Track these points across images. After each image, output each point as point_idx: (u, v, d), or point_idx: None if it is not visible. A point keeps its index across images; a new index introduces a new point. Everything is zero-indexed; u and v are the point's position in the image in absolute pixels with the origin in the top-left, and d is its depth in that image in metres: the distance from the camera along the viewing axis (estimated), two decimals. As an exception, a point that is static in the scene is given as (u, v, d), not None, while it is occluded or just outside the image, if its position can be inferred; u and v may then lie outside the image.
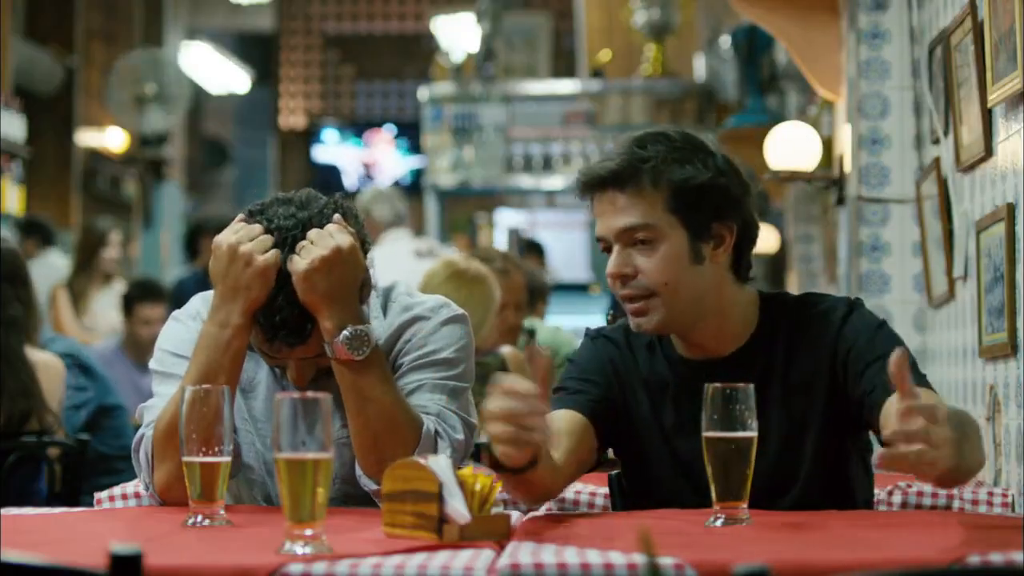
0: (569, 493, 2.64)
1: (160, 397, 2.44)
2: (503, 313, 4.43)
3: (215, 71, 13.99)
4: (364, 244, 2.41)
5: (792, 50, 5.18)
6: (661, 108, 9.30)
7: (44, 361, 3.67)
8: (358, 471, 2.37)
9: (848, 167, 4.66)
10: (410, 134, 13.08)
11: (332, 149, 13.95)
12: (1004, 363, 3.21)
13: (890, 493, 2.61)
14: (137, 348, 6.20)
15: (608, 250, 2.36)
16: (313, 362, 2.39)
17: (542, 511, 2.43)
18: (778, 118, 6.70)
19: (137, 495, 2.53)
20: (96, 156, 10.76)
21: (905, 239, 4.46)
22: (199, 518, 2.11)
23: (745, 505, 2.10)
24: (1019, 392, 3.07)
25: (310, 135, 14.16)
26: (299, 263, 2.30)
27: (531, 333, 4.92)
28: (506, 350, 4.30)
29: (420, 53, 12.98)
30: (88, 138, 10.68)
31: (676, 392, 2.39)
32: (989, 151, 3.32)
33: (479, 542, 1.90)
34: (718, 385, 2.11)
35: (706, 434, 2.12)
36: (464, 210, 11.29)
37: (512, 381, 2.02)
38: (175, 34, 12.59)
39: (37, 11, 10.15)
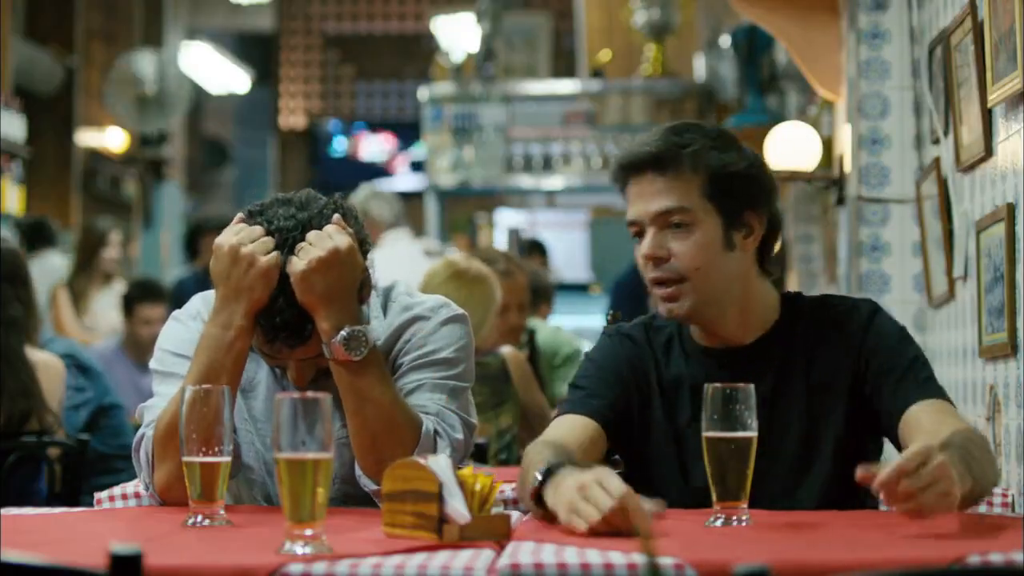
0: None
1: (160, 397, 2.44)
2: (505, 314, 4.43)
3: (215, 71, 13.98)
4: (364, 244, 2.41)
5: (792, 50, 5.18)
6: (661, 108, 9.30)
7: (44, 361, 3.67)
8: (358, 471, 2.37)
9: (848, 167, 4.67)
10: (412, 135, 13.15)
11: (352, 143, 14.06)
12: (1004, 363, 3.21)
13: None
14: (137, 348, 6.21)
15: (640, 235, 2.38)
16: (313, 362, 2.39)
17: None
18: (778, 118, 6.69)
19: (137, 495, 2.53)
20: (96, 156, 10.76)
21: (905, 239, 4.46)
22: (199, 518, 2.11)
23: (745, 505, 2.11)
24: (1019, 392, 3.07)
25: (310, 135, 14.18)
26: (297, 264, 2.31)
27: (532, 333, 4.92)
28: (506, 350, 4.30)
29: (420, 53, 12.98)
30: (88, 138, 10.68)
31: (694, 384, 2.40)
32: (989, 151, 3.32)
33: (479, 542, 1.90)
34: (718, 385, 2.12)
35: (706, 434, 2.12)
36: (464, 210, 11.29)
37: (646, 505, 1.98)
38: (175, 34, 12.59)
39: (37, 11, 10.15)
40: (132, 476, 2.57)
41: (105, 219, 8.24)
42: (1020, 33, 2.93)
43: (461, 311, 2.50)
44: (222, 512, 2.12)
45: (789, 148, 5.17)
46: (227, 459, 2.13)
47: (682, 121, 2.44)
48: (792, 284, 7.38)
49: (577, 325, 7.33)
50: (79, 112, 10.46)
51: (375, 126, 14.29)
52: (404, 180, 13.81)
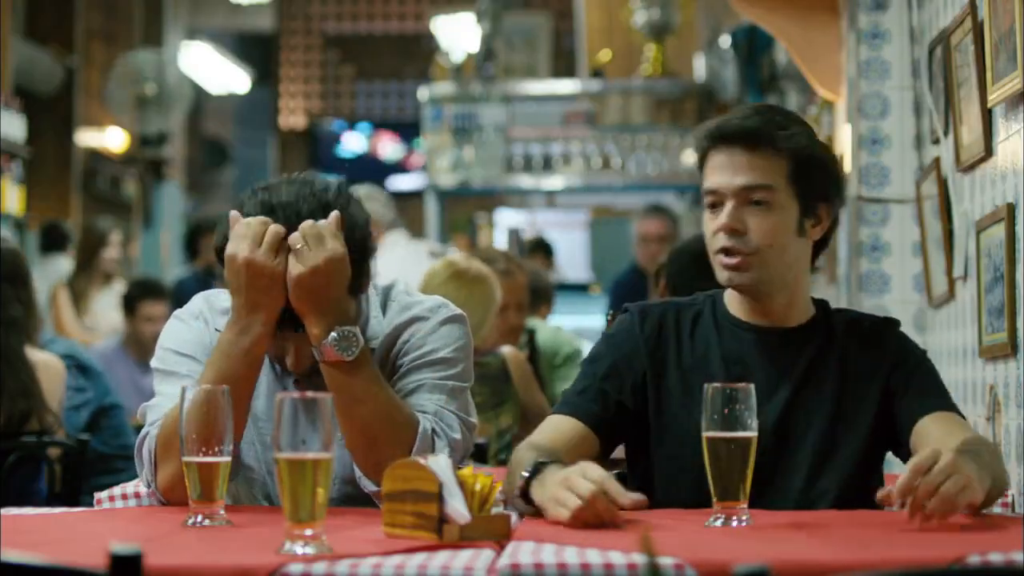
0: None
1: (162, 396, 2.43)
2: (505, 314, 4.42)
3: (215, 71, 13.98)
4: (366, 233, 2.40)
5: (792, 50, 5.17)
6: (661, 108, 9.29)
7: (44, 361, 3.67)
8: (358, 472, 2.37)
9: (848, 167, 4.66)
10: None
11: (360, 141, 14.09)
12: (1004, 363, 3.21)
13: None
14: (140, 346, 6.21)
15: (714, 206, 2.40)
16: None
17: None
18: (778, 118, 6.68)
19: (137, 495, 2.53)
20: (96, 156, 10.76)
21: (905, 239, 4.46)
22: (199, 518, 2.11)
23: (745, 505, 2.11)
24: (1019, 392, 3.07)
25: (310, 135, 14.18)
26: (291, 268, 2.30)
27: (532, 333, 4.92)
28: (506, 350, 4.30)
29: (420, 53, 12.97)
30: (88, 138, 10.68)
31: (726, 355, 2.43)
32: (989, 151, 3.32)
33: (479, 542, 1.91)
34: (718, 385, 2.13)
35: (706, 434, 2.12)
36: (464, 210, 11.28)
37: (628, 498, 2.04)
38: (175, 34, 12.59)
39: (37, 11, 10.14)
40: (132, 476, 2.57)
41: (105, 219, 8.24)
42: (1020, 33, 2.93)
43: (459, 311, 2.50)
44: (222, 512, 2.12)
45: (789, 148, 5.16)
46: (227, 459, 2.13)
47: (774, 105, 2.48)
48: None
49: (577, 325, 7.32)
50: (79, 112, 10.46)
51: (376, 126, 14.30)
52: (404, 180, 13.82)
